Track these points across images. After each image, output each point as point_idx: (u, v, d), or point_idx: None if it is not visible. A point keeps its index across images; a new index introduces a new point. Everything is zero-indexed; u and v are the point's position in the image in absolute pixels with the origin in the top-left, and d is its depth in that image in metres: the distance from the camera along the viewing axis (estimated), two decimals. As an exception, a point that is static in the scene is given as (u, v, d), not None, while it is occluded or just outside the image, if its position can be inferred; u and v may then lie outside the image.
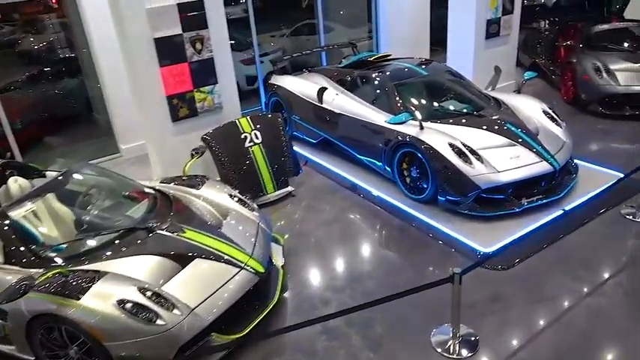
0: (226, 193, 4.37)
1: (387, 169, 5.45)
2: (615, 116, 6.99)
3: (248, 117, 5.70)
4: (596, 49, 7.61)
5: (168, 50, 5.30)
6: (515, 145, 4.91)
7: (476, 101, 5.66)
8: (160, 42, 5.24)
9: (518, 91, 5.88)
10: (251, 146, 5.51)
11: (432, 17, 9.13)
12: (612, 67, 7.07)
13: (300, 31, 11.04)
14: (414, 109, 5.47)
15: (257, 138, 5.57)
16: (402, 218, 5.07)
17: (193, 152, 5.37)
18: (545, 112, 5.48)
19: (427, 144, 4.84)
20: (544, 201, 4.84)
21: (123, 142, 7.14)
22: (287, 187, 5.69)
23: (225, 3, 5.75)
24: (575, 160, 5.56)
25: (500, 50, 7.98)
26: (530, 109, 5.53)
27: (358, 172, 5.95)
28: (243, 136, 5.50)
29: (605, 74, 7.03)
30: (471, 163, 4.67)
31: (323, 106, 6.32)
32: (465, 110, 5.47)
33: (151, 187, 4.43)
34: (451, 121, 5.23)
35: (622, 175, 5.29)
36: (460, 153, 4.73)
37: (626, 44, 7.67)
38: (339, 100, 6.14)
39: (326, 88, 6.45)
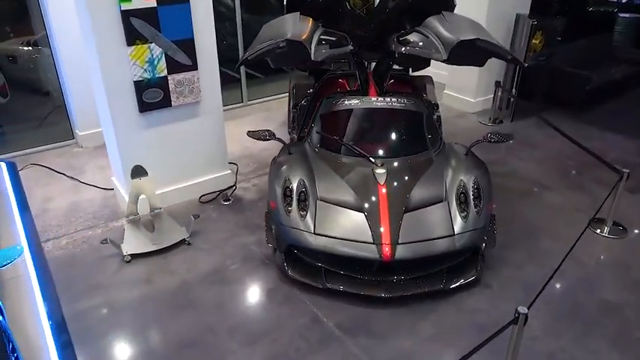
0: None
1: None
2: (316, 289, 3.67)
3: None
4: (324, 147, 4.34)
5: None
6: None
7: None
8: None
9: None
10: None
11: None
12: (321, 192, 3.77)
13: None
14: None
15: None
16: None
17: None
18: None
19: None
20: None
21: None
22: None
23: None
24: None
25: (183, 131, 4.68)
26: None
27: None
28: None
29: (295, 205, 3.77)
30: None
31: None
32: None
33: None
34: None
35: None
36: None
37: (372, 142, 4.26)
38: None
39: None
